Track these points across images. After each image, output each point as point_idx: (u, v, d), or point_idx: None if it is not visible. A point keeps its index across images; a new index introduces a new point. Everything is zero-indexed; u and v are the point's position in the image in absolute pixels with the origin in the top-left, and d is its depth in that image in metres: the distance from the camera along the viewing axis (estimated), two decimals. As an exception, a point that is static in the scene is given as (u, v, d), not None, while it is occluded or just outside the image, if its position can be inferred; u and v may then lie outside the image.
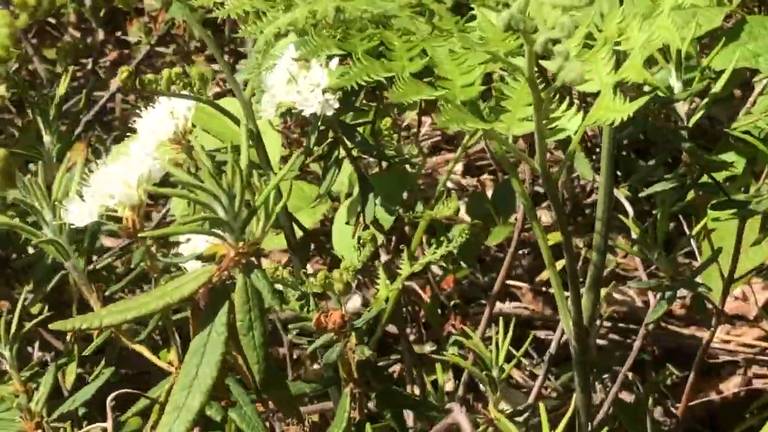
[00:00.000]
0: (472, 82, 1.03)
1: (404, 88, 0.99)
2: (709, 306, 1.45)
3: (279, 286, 1.10)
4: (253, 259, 0.90)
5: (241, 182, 0.90)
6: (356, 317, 1.09)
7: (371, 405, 1.13)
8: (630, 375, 1.55)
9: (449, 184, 2.21)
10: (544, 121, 1.02)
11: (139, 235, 1.04)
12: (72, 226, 1.11)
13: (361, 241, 1.06)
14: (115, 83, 2.11)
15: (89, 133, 2.08)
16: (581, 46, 1.01)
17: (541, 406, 1.03)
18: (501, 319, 1.22)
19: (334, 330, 1.01)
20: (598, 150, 1.99)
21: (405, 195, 1.42)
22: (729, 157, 1.79)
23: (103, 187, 1.07)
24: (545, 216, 2.10)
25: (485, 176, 2.20)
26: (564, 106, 1.03)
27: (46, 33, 2.50)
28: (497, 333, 1.55)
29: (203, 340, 0.90)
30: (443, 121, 0.98)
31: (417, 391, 1.47)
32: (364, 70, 1.00)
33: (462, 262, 1.92)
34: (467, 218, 1.97)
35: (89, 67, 2.26)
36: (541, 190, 2.16)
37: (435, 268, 1.92)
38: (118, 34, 2.51)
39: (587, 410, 1.16)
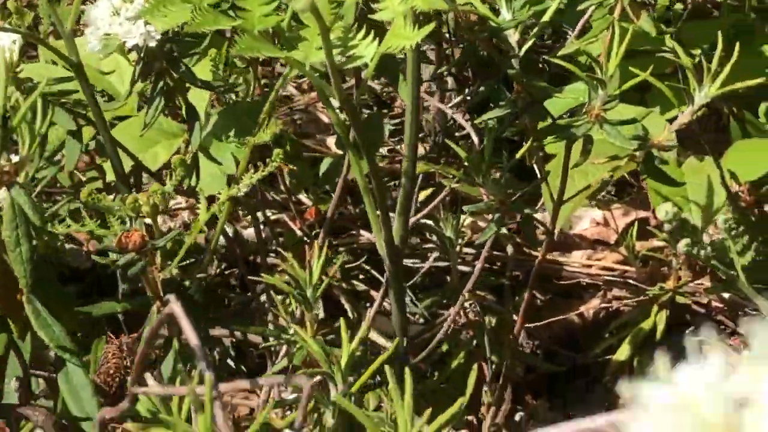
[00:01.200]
0: (271, 12, 1.06)
1: (201, 18, 1.03)
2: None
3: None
4: (19, 178, 0.94)
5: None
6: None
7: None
8: (468, 295, 1.61)
9: (325, 119, 2.26)
10: (340, 49, 1.07)
11: None
12: None
13: (172, 167, 1.10)
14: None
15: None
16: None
17: (342, 321, 1.08)
18: (316, 243, 1.27)
19: (135, 249, 1.05)
20: (470, 82, 2.04)
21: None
22: (578, 86, 1.84)
23: None
24: (421, 148, 2.15)
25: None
26: (361, 34, 1.08)
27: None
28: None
29: (-28, 256, 0.95)
30: (237, 50, 1.02)
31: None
32: (160, 2, 1.03)
33: (330, 193, 1.97)
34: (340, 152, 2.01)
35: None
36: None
37: (304, 199, 1.97)
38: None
39: (401, 327, 1.22)
